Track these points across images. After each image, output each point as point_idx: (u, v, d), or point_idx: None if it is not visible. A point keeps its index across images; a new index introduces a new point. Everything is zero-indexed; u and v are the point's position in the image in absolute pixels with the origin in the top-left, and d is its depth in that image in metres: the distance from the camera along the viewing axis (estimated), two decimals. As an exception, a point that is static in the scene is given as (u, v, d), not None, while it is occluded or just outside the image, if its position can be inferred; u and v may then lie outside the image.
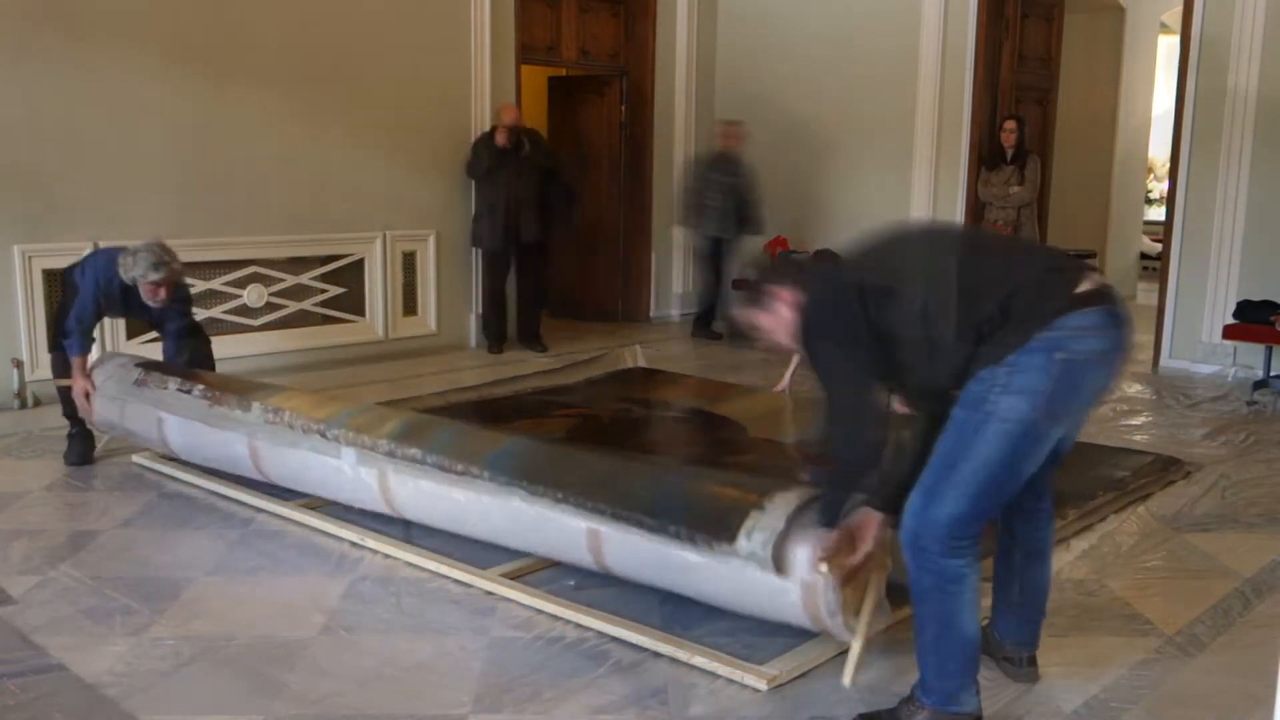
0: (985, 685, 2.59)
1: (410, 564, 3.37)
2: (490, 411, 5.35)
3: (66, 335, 4.32)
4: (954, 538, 2.32)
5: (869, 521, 2.55)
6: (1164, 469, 4.50)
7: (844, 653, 2.66)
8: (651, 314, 8.78)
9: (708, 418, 5.41)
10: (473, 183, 7.10)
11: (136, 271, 4.16)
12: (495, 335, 7.17)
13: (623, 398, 5.76)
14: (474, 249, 7.23)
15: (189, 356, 4.48)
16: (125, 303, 4.37)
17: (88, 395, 4.32)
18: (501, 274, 7.14)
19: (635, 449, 4.74)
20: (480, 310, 7.30)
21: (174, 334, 4.50)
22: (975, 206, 7.66)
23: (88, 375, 4.35)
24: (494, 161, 6.84)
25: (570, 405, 5.56)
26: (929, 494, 2.33)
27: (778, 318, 2.53)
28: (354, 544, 3.54)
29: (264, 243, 6.34)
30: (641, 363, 6.55)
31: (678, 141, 8.78)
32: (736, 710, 2.55)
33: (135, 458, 4.43)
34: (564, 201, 7.35)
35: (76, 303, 4.31)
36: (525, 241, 7.07)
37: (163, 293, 4.23)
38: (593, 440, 4.77)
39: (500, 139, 6.81)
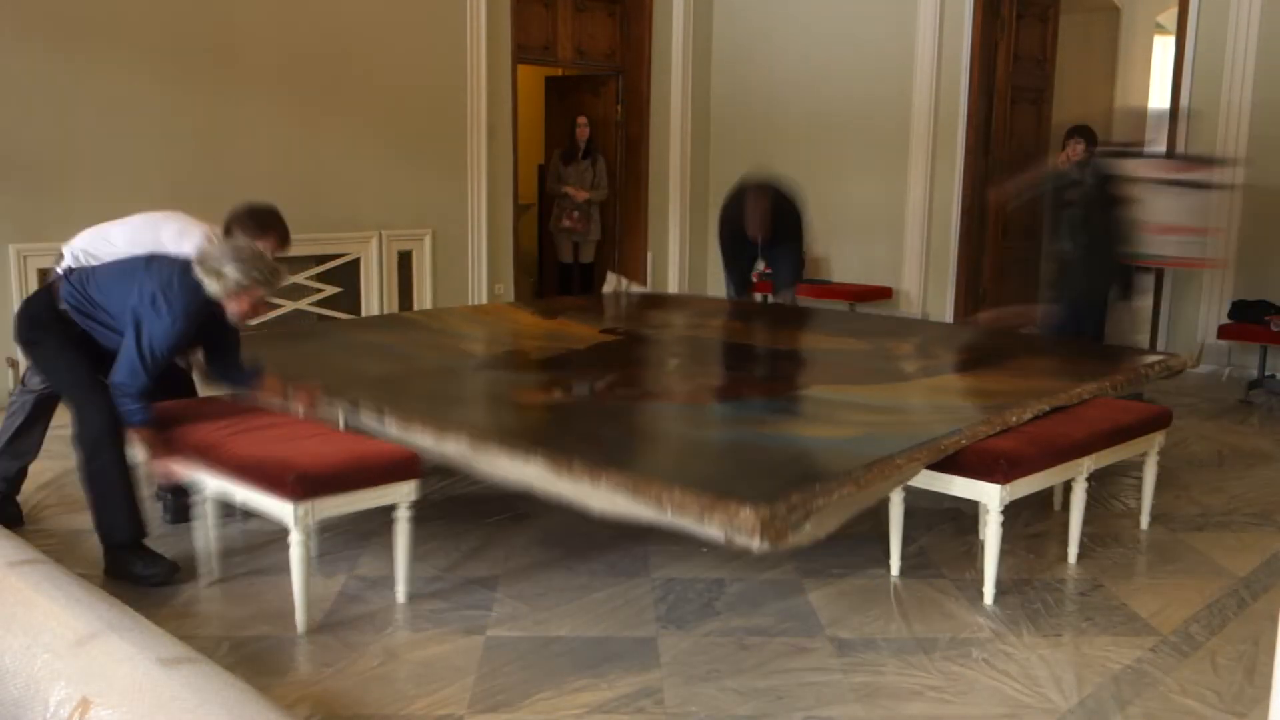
0: (981, 676, 2.60)
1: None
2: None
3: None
4: None
5: None
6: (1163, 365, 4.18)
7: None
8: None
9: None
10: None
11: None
12: None
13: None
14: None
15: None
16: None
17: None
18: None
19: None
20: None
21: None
22: (972, 205, 7.67)
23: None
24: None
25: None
26: None
27: None
28: (348, 544, 3.53)
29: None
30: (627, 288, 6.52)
31: (673, 141, 8.77)
32: (732, 709, 2.55)
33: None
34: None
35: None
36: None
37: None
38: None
39: None
